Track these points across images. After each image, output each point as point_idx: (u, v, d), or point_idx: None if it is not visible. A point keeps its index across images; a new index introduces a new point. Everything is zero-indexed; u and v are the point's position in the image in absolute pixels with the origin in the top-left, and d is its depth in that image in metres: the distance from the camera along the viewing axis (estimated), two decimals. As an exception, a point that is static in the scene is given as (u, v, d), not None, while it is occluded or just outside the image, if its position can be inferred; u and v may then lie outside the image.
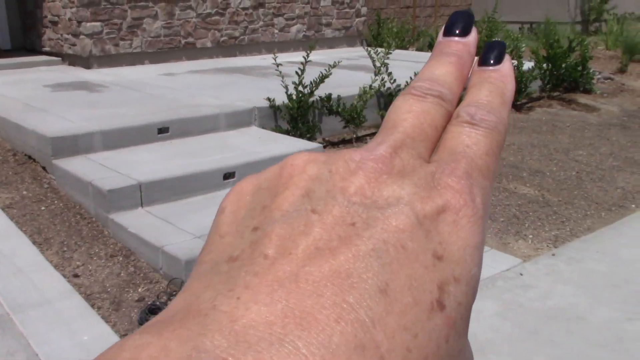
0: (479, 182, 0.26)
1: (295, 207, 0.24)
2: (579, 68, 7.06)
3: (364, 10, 9.16)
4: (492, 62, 0.31)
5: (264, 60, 7.53)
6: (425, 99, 0.28)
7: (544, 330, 2.61)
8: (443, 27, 0.32)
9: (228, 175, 3.80)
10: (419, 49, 9.42)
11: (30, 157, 4.22)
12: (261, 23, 8.14)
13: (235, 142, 4.34)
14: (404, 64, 7.06)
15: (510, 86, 0.30)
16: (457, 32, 0.31)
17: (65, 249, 3.17)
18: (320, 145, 4.31)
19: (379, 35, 9.18)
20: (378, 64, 5.44)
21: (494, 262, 3.20)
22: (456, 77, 0.30)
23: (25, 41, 7.97)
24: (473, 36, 0.31)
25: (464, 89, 0.31)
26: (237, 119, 4.69)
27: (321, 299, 0.21)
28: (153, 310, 2.65)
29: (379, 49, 5.71)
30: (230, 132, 4.59)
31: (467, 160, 0.26)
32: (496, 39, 0.32)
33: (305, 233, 0.23)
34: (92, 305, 2.72)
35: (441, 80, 0.29)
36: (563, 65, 6.90)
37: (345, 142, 5.14)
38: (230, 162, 3.86)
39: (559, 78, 6.98)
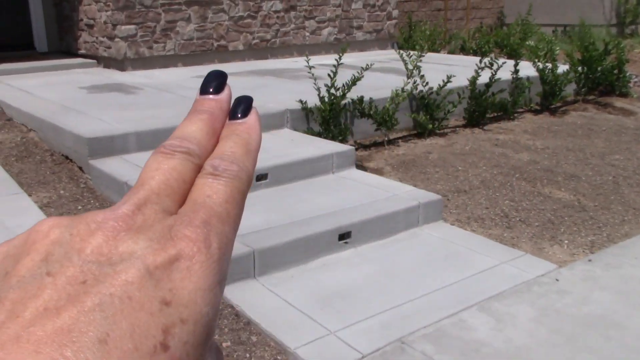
0: (217, 229, 0.28)
1: (32, 272, 0.25)
2: (615, 71, 6.94)
3: (395, 13, 9.14)
4: (239, 115, 0.34)
5: (296, 62, 7.56)
6: (174, 156, 0.30)
7: (581, 337, 2.56)
8: (199, 87, 0.34)
9: (261, 177, 3.82)
10: (451, 52, 9.36)
11: (67, 157, 4.29)
12: (293, 26, 8.17)
13: (268, 145, 4.36)
14: (435, 66, 7.02)
15: (255, 136, 0.33)
16: (211, 90, 0.34)
17: (101, 248, 3.22)
18: (352, 147, 4.31)
19: (410, 38, 9.15)
20: (410, 67, 5.42)
21: (530, 267, 3.15)
22: (207, 132, 0.32)
23: (62, 44, 8.12)
24: (225, 93, 0.34)
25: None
26: (270, 121, 4.71)
27: (39, 356, 0.22)
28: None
29: (411, 52, 5.68)
30: (263, 134, 4.60)
31: (206, 209, 0.28)
32: (244, 95, 0.33)
33: (37, 296, 0.24)
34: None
35: (191, 137, 0.32)
36: (599, 69, 6.79)
37: (377, 145, 5.13)
38: (263, 164, 3.87)
39: (595, 81, 6.87)
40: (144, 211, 0.28)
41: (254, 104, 0.35)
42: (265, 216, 3.39)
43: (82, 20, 7.49)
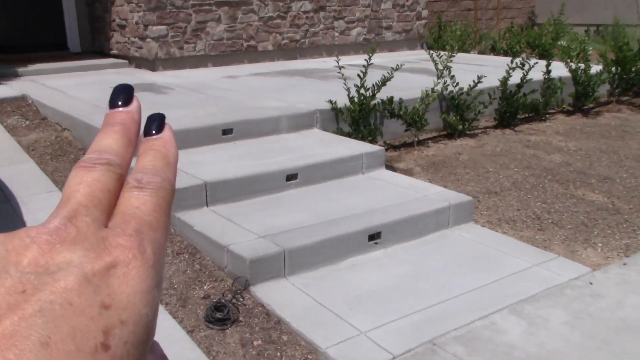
0: (149, 236, 0.30)
1: None
2: (650, 72, 6.81)
3: (424, 13, 9.09)
4: (153, 132, 0.35)
5: (325, 63, 7.56)
6: (94, 169, 0.31)
7: (616, 341, 2.52)
8: (108, 102, 0.36)
9: (291, 177, 3.83)
10: (481, 52, 9.28)
11: (100, 156, 4.35)
12: (322, 26, 8.18)
13: (297, 144, 4.37)
14: (466, 67, 6.97)
15: (172, 150, 0.35)
16: (120, 103, 0.35)
17: (133, 245, 3.26)
18: (382, 148, 4.29)
19: (440, 38, 9.10)
20: (440, 67, 5.39)
21: (562, 270, 3.11)
22: (123, 143, 0.33)
23: (94, 44, 8.24)
24: (135, 105, 0.36)
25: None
26: (299, 121, 4.72)
27: None
28: (218, 307, 2.69)
29: (441, 52, 5.65)
30: (292, 134, 4.62)
31: (136, 219, 0.30)
32: (157, 112, 0.34)
33: None
34: (160, 301, 2.78)
35: (108, 148, 0.33)
36: (633, 69, 6.67)
37: (406, 146, 5.11)
38: (292, 164, 3.89)
39: (629, 82, 6.75)
40: (76, 223, 0.29)
41: (166, 120, 0.36)
42: (295, 216, 3.40)
43: (114, 20, 7.59)
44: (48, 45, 7.98)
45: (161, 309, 2.72)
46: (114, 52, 7.74)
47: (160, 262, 0.30)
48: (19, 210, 3.56)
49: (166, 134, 0.35)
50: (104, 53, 7.99)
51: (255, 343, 2.54)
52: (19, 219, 3.46)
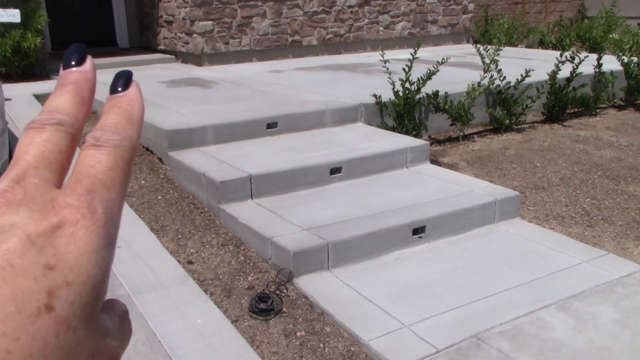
0: (101, 195, 0.29)
1: None
2: None
3: (471, 6, 8.96)
4: (119, 89, 0.34)
5: (369, 57, 7.53)
6: (44, 129, 0.31)
7: (669, 341, 2.44)
8: (62, 63, 0.35)
9: (335, 171, 3.83)
10: (529, 46, 9.10)
11: (147, 149, 4.44)
12: (366, 21, 8.15)
13: (342, 138, 4.37)
14: (513, 61, 6.85)
15: (137, 107, 0.34)
16: (73, 63, 0.34)
17: (180, 236, 3.32)
18: (427, 142, 4.26)
19: (486, 32, 8.96)
20: (487, 61, 5.30)
21: (612, 267, 3.03)
22: (75, 102, 0.32)
23: (142, 40, 8.40)
24: (88, 64, 0.34)
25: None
26: (343, 115, 4.72)
27: None
28: (263, 298, 2.71)
29: (488, 46, 5.56)
30: (336, 128, 4.62)
31: (89, 178, 0.29)
32: (124, 69, 0.33)
33: None
34: (205, 291, 2.82)
35: (59, 108, 0.32)
36: (688, 62, 6.44)
37: (451, 140, 5.05)
38: (336, 158, 3.89)
39: (684, 76, 6.51)
40: (24, 185, 0.28)
41: (133, 77, 0.35)
42: (339, 209, 3.40)
43: (161, 16, 7.72)
44: (98, 41, 8.17)
45: (206, 299, 2.76)
46: (161, 47, 7.88)
47: (113, 222, 0.29)
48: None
49: (132, 90, 0.34)
50: (151, 48, 8.13)
51: (298, 334, 2.55)
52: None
